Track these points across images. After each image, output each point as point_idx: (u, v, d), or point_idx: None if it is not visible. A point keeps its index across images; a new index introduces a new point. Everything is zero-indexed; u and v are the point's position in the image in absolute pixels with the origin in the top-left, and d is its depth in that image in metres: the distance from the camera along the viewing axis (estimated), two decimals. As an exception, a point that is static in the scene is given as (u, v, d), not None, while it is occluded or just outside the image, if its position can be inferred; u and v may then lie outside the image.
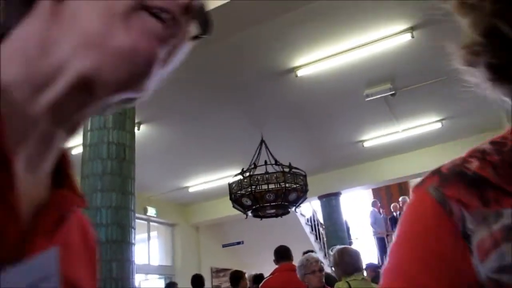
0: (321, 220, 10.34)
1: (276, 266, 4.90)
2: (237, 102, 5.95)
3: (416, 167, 8.51)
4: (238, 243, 10.34)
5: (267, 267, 11.22)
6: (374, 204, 12.68)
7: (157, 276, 9.41)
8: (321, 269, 3.95)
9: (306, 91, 5.76)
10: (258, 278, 6.69)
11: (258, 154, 6.35)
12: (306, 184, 6.24)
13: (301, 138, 7.47)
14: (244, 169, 6.13)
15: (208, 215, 9.92)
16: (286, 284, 4.43)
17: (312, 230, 11.43)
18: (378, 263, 12.09)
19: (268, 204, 5.92)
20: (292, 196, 6.02)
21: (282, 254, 4.94)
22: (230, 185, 6.09)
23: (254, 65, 5.06)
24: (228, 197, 7.16)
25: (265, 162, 6.05)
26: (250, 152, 6.51)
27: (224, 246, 10.94)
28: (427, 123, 7.28)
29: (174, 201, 9.74)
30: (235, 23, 3.83)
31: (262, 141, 6.47)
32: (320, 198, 9.24)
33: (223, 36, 3.91)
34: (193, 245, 10.16)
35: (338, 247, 3.68)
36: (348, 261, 3.49)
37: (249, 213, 6.20)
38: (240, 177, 6.01)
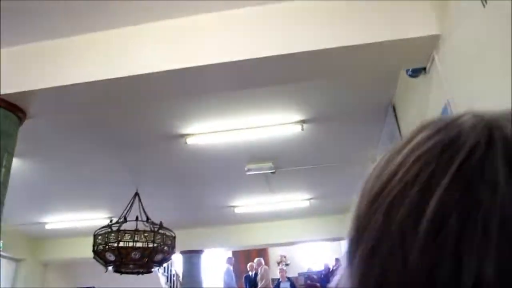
0: (179, 273, 10.24)
1: None
2: (119, 155, 5.79)
3: (280, 236, 9.01)
4: None
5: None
6: (228, 261, 12.87)
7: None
8: None
9: (191, 157, 5.85)
10: None
11: (130, 206, 6.18)
12: (174, 246, 6.20)
13: (176, 196, 7.47)
14: (113, 221, 5.90)
15: (61, 253, 9.23)
16: None
17: (167, 281, 11.24)
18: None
19: (133, 262, 5.75)
20: (159, 256, 5.93)
21: None
22: (95, 236, 5.80)
23: (145, 126, 5.01)
24: (86, 238, 6.86)
25: (137, 218, 5.89)
26: (120, 200, 6.34)
27: (75, 290, 10.22)
28: (297, 200, 7.78)
29: (25, 235, 8.93)
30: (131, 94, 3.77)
31: (137, 194, 6.33)
32: (182, 253, 9.18)
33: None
34: (37, 285, 9.30)
35: None
36: None
37: (110, 267, 5.93)
38: (107, 229, 5.77)
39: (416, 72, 3.61)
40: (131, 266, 5.83)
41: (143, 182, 6.37)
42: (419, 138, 0.43)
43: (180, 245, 8.07)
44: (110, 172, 6.33)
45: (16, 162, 5.74)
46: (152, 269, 6.13)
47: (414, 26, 3.19)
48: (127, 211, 6.06)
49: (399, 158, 0.43)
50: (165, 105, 4.59)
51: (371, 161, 5.80)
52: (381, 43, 3.17)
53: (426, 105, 3.66)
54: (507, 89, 2.21)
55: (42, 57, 3.48)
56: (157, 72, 3.27)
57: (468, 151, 0.38)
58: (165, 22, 3.42)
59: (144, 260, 5.77)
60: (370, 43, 3.17)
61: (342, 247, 12.53)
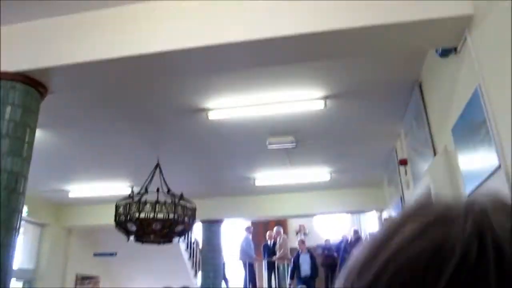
0: (200, 242, 10.41)
1: None
2: (140, 128, 5.81)
3: (300, 207, 9.03)
4: (111, 254, 9.95)
5: (139, 281, 11.02)
6: (247, 230, 13.01)
7: (14, 279, 8.70)
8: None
9: (213, 131, 5.83)
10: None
11: (151, 178, 6.22)
12: (194, 217, 6.26)
13: (197, 167, 7.50)
14: (134, 192, 5.97)
15: (84, 220, 9.44)
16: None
17: (187, 248, 11.47)
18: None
19: (154, 233, 5.84)
20: (179, 228, 6.00)
21: None
22: (116, 206, 5.87)
23: (166, 99, 4.98)
24: (108, 205, 7.02)
25: (158, 189, 5.93)
26: (141, 170, 6.40)
27: (95, 255, 10.46)
28: (318, 173, 7.74)
29: (49, 201, 9.13)
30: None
31: (158, 165, 6.36)
32: (203, 222, 9.29)
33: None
34: (61, 249, 9.58)
35: None
36: None
37: (131, 238, 6.04)
38: (129, 200, 5.84)
39: (446, 52, 3.46)
40: (152, 236, 5.91)
41: (164, 153, 6.38)
42: (405, 235, 0.39)
43: (200, 214, 8.18)
44: (131, 144, 6.36)
45: (38, 133, 5.83)
46: (173, 240, 6.20)
47: (447, 5, 3.03)
48: (148, 182, 6.11)
49: (382, 257, 0.38)
50: (187, 80, 4.53)
51: (395, 136, 5.66)
52: (411, 22, 3.04)
53: (456, 86, 3.52)
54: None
55: (61, 32, 3.44)
56: (178, 50, 3.21)
57: (457, 264, 0.34)
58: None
59: (164, 231, 5.85)
60: (400, 23, 3.04)
61: (361, 220, 12.55)
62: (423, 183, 4.61)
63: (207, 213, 8.95)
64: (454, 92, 3.56)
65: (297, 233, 14.89)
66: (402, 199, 6.10)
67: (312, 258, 10.37)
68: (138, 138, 6.14)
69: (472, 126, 3.20)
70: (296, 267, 10.35)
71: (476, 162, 3.21)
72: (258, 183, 8.00)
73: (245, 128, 5.75)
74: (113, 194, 8.26)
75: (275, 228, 12.97)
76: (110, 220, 6.01)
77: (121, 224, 5.83)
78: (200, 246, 10.35)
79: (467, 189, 3.46)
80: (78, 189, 8.36)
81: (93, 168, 7.40)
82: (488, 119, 2.84)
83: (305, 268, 10.18)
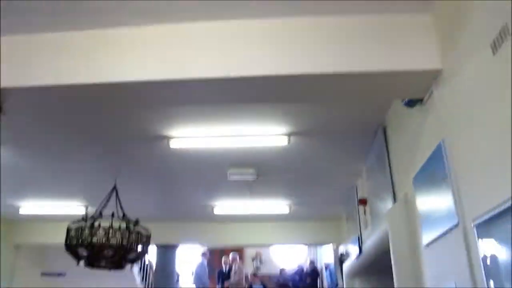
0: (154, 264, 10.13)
1: None
2: (98, 150, 5.64)
3: (257, 237, 8.94)
4: (60, 274, 9.52)
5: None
6: (203, 255, 12.79)
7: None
8: None
9: (173, 158, 5.73)
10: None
11: (106, 201, 6.00)
12: (148, 245, 6.08)
13: (155, 191, 7.35)
14: (88, 215, 5.74)
15: (33, 237, 8.99)
16: None
17: (140, 270, 11.16)
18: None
19: (105, 259, 5.61)
20: (132, 255, 5.80)
21: None
22: (68, 230, 5.62)
23: (127, 125, 4.86)
24: (60, 224, 6.76)
25: (112, 214, 5.73)
26: (97, 190, 6.20)
27: (43, 274, 10.00)
28: (278, 205, 7.71)
29: (-3, 216, 8.72)
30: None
31: (114, 188, 6.14)
32: (157, 246, 9.06)
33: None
34: (7, 266, 9.08)
35: None
36: None
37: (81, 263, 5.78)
38: (82, 223, 5.60)
39: (412, 102, 3.50)
40: (103, 262, 5.67)
41: (122, 176, 6.18)
42: None
43: (155, 238, 7.96)
44: (89, 165, 6.17)
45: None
46: (125, 267, 5.97)
47: (416, 58, 3.08)
48: (104, 206, 5.89)
49: None
50: (149, 108, 4.42)
51: (356, 174, 5.70)
52: (379, 72, 3.06)
53: (420, 136, 3.56)
54: (505, 141, 2.12)
55: (15, 52, 3.28)
56: (139, 82, 3.12)
57: None
58: (154, 27, 3.25)
59: (116, 258, 5.64)
60: (367, 72, 3.05)
61: (318, 251, 12.55)
62: (381, 227, 4.62)
63: (163, 237, 8.73)
64: (418, 141, 3.60)
65: (253, 260, 14.77)
66: (359, 238, 6.11)
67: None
68: (96, 160, 5.95)
69: (433, 180, 3.22)
70: None
71: (435, 215, 3.23)
72: (216, 211, 7.88)
73: (207, 158, 5.68)
74: (66, 213, 7.96)
75: (231, 254, 12.78)
76: (61, 239, 5.72)
77: (71, 248, 5.58)
78: (154, 269, 10.05)
79: (424, 240, 3.48)
80: (30, 206, 8.00)
81: (47, 185, 7.11)
82: (450, 177, 2.86)
83: None
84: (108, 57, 3.22)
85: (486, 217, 2.31)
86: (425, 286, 3.55)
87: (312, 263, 12.91)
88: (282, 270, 13.91)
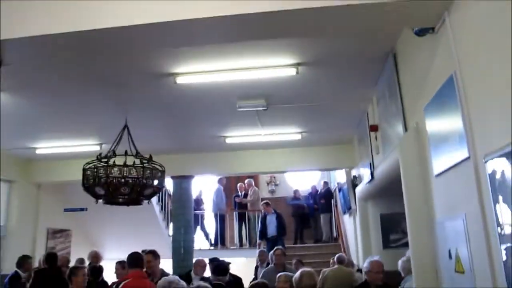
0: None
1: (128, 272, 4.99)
2: (107, 90, 5.58)
3: (271, 164, 9.05)
4: (82, 209, 9.86)
5: (111, 233, 11.02)
6: (220, 181, 13.09)
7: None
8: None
9: (181, 95, 5.67)
10: (95, 270, 6.58)
11: (119, 139, 6.05)
12: (163, 180, 6.20)
13: (166, 126, 7.37)
14: (102, 154, 5.82)
15: (53, 175, 9.22)
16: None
17: (159, 200, 11.51)
18: (214, 240, 12.67)
19: (122, 196, 5.76)
20: (148, 191, 5.92)
21: (135, 261, 5.00)
22: (84, 170, 5.73)
23: (134, 64, 4.76)
24: (77, 161, 6.93)
25: (126, 152, 5.79)
26: (109, 128, 6.26)
27: (66, 210, 10.36)
28: (289, 133, 7.71)
29: (16, 158, 8.89)
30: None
31: (126, 126, 6.17)
32: (173, 178, 9.25)
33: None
34: (31, 204, 9.43)
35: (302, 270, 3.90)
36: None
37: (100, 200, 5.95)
38: (96, 163, 5.69)
39: (423, 31, 3.35)
40: (120, 200, 5.83)
41: (132, 113, 6.18)
42: None
43: (170, 170, 8.12)
44: (99, 105, 6.15)
45: (4, 96, 5.59)
46: (142, 203, 6.14)
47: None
48: (116, 144, 5.95)
49: None
50: (153, 43, 4.30)
51: (367, 101, 5.63)
52: (390, 2, 2.90)
53: (431, 66, 3.45)
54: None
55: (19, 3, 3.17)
56: (142, 25, 3.01)
57: None
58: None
59: (133, 195, 5.77)
60: (377, 2, 2.90)
61: (331, 174, 12.72)
62: (392, 156, 4.62)
63: (177, 169, 8.89)
64: (429, 70, 3.49)
65: (268, 184, 15.08)
66: (371, 164, 6.15)
67: (278, 218, 10.54)
68: (106, 99, 5.93)
69: (444, 111, 3.16)
70: (264, 228, 10.55)
71: (446, 147, 3.20)
72: (228, 140, 7.92)
73: (215, 91, 5.61)
74: (82, 150, 8.11)
75: (246, 180, 13.08)
76: (79, 176, 5.85)
77: (88, 188, 5.72)
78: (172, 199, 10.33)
79: (435, 170, 3.48)
80: (46, 146, 8.15)
81: (60, 128, 7.19)
82: (462, 110, 2.79)
83: (272, 229, 10.37)
84: (106, 4, 3.11)
85: (497, 154, 2.27)
86: (435, 215, 3.61)
87: (326, 183, 13.14)
88: (296, 192, 14.22)
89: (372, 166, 6.14)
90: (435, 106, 3.38)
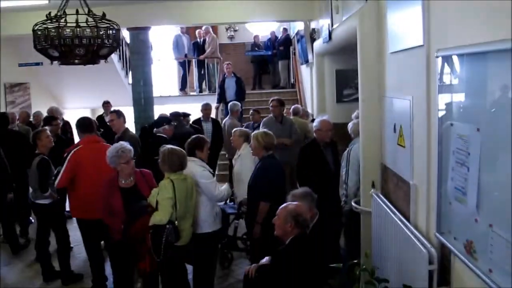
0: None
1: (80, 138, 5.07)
2: None
3: (231, 15, 8.81)
4: (37, 64, 9.46)
5: (69, 84, 10.88)
6: (181, 29, 12.77)
7: None
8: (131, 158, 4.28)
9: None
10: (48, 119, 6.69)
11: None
12: (119, 38, 6.02)
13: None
14: (51, 13, 5.50)
15: (4, 29, 8.62)
16: (97, 155, 4.65)
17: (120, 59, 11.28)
18: (180, 85, 12.84)
19: (78, 58, 5.62)
20: (104, 51, 5.77)
21: (86, 127, 5.05)
22: (34, 31, 5.45)
23: None
24: (29, 13, 6.47)
25: (77, 11, 5.48)
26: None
27: (20, 65, 9.97)
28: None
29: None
30: None
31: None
32: (129, 29, 8.92)
33: None
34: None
35: (167, 147, 4.00)
36: (174, 161, 3.92)
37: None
38: (47, 23, 5.40)
39: None
40: (76, 61, 5.70)
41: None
42: None
43: (126, 21, 7.81)
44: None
45: None
46: (99, 62, 6.03)
47: None
48: (65, 2, 5.60)
49: None
50: None
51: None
52: None
53: None
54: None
55: None
56: None
57: None
58: None
59: (89, 56, 5.64)
60: None
61: (291, 24, 12.51)
62: (350, 22, 4.61)
63: (133, 20, 8.54)
64: None
65: (227, 30, 14.78)
66: (330, 24, 6.13)
67: (238, 81, 10.39)
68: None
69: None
70: (222, 91, 10.37)
71: (403, 29, 3.26)
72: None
73: None
74: (30, 4, 7.55)
75: (203, 27, 12.75)
76: (30, 30, 5.56)
77: (41, 50, 5.52)
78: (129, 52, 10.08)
79: (390, 48, 3.58)
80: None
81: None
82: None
83: (231, 93, 10.26)
84: None
85: (449, 52, 2.37)
86: (386, 90, 3.81)
87: (286, 30, 13.02)
88: (255, 37, 14.11)
89: (330, 26, 6.13)
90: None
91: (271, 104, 6.97)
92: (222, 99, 10.46)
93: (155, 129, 6.62)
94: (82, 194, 4.67)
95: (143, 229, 3.82)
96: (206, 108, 8.27)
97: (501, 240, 1.88)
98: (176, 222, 3.86)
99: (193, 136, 4.71)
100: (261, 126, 6.54)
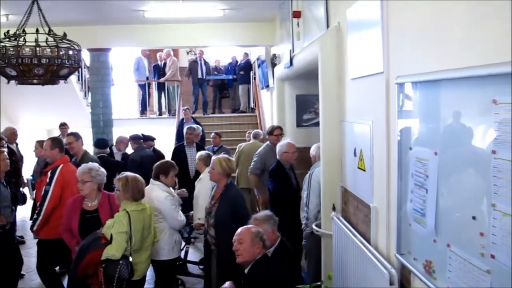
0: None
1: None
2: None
3: (192, 38, 8.86)
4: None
5: (23, 102, 10.50)
6: (143, 52, 12.74)
7: None
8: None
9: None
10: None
11: (28, 14, 5.57)
12: (80, 59, 5.95)
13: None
14: (10, 32, 5.39)
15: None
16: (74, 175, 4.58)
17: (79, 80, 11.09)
18: (140, 107, 12.73)
19: (36, 78, 5.51)
20: (64, 71, 5.69)
21: (63, 147, 5.12)
22: (-9, 50, 5.32)
23: None
24: None
25: (37, 30, 5.40)
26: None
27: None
28: (210, 10, 7.49)
29: None
30: None
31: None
32: (90, 50, 8.82)
33: None
34: None
35: (126, 174, 3.87)
36: (139, 188, 3.81)
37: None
38: (5, 41, 5.29)
39: None
40: (35, 81, 5.59)
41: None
42: None
43: (86, 42, 7.72)
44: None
45: None
46: (58, 82, 5.92)
47: None
48: (26, 20, 5.50)
49: None
50: None
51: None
52: None
53: (356, -28, 3.46)
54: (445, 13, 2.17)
55: None
56: None
57: None
58: None
59: (48, 76, 5.54)
60: None
61: (251, 50, 12.71)
62: (311, 49, 4.75)
63: (94, 42, 8.48)
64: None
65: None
66: (292, 50, 6.28)
67: (196, 122, 10.01)
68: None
69: (368, 22, 3.26)
70: (180, 135, 9.64)
71: (363, 55, 3.39)
72: (148, 15, 7.55)
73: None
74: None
75: (164, 50, 12.78)
76: None
77: (-1, 68, 5.38)
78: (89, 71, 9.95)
79: (351, 74, 3.71)
80: None
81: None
82: (383, 26, 2.91)
83: None
84: None
85: (408, 79, 2.49)
86: (346, 115, 3.93)
87: (246, 54, 13.22)
88: (216, 61, 14.26)
89: (292, 51, 6.27)
90: (358, 14, 3.49)
91: (274, 133, 6.54)
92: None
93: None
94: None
95: (95, 263, 3.56)
96: (189, 133, 7.66)
97: (458, 259, 1.97)
98: (130, 257, 3.70)
99: (162, 161, 4.75)
100: (258, 157, 6.49)
